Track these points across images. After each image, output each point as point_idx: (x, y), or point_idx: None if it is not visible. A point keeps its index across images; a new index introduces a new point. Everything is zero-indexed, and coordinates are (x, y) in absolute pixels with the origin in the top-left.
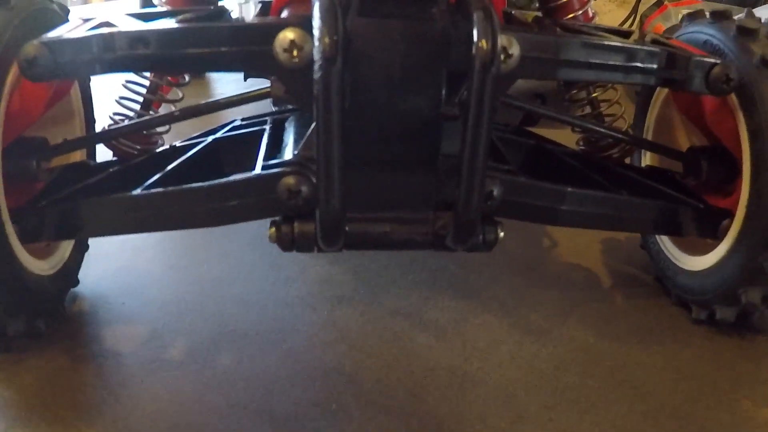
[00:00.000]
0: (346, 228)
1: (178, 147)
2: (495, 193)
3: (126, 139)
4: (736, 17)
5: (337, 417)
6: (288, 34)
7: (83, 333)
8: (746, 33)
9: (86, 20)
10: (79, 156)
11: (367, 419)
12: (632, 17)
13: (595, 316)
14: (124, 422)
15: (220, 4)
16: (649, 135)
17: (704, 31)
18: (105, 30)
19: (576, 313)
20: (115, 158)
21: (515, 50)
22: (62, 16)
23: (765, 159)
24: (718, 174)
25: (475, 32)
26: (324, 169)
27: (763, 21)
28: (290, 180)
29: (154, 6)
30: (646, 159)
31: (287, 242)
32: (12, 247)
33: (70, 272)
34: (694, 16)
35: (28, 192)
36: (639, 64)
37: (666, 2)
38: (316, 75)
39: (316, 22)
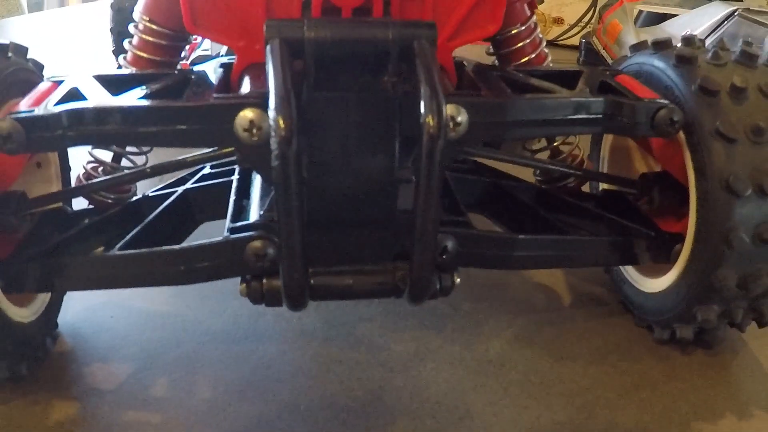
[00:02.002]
0: (311, 281)
1: (151, 197)
2: (449, 247)
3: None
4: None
5: (304, 416)
6: (247, 114)
7: (64, 374)
8: (685, 61)
9: (56, 82)
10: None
11: (331, 417)
12: (592, 10)
13: (556, 337)
14: None
15: (182, 64)
16: (604, 165)
17: (647, 62)
18: (73, 105)
19: (538, 335)
20: (90, 206)
21: (463, 118)
22: (37, 74)
23: (708, 190)
24: (669, 200)
25: (422, 107)
26: (285, 240)
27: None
28: (257, 244)
29: (125, 13)
30: (603, 183)
31: (257, 297)
32: None
33: (51, 316)
34: (637, 47)
35: (9, 242)
36: (585, 116)
37: None
38: (274, 154)
39: (271, 107)
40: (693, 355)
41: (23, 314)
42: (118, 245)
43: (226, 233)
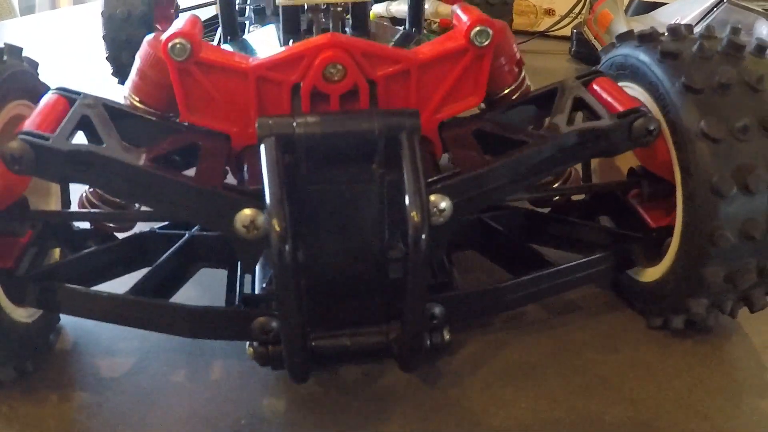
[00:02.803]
0: (312, 344)
1: (157, 234)
2: (437, 313)
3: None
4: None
5: (305, 400)
6: (246, 213)
7: (70, 367)
8: (669, 57)
9: (66, 97)
10: (54, 202)
11: (332, 401)
12: (583, 1)
13: (551, 323)
14: None
15: None
16: (596, 177)
17: (632, 55)
18: (88, 148)
19: (533, 322)
20: (92, 227)
21: (446, 204)
22: (33, 73)
23: (693, 190)
24: (658, 192)
25: (407, 202)
26: (284, 323)
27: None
28: (262, 320)
29: (116, 20)
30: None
31: (263, 361)
32: (1, 306)
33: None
34: (623, 37)
35: (13, 246)
36: (562, 155)
37: None
38: (273, 252)
39: (268, 209)
40: (687, 336)
41: (26, 314)
42: (129, 289)
43: (238, 302)
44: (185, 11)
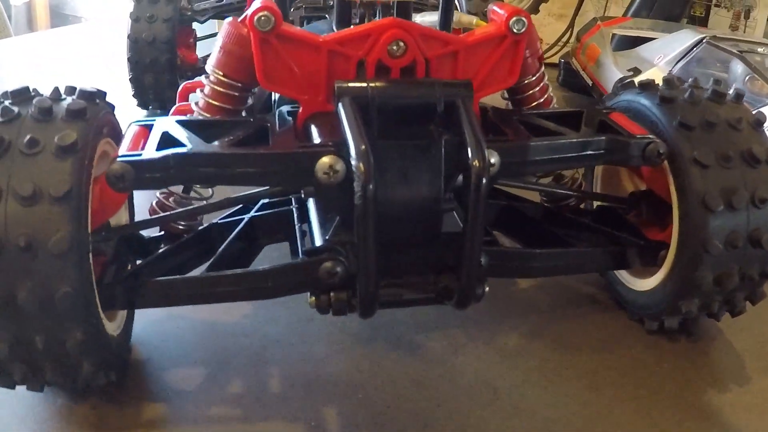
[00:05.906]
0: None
1: (220, 224)
2: (483, 262)
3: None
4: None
5: (363, 403)
6: (326, 160)
7: (145, 378)
8: (667, 101)
9: (144, 126)
10: (124, 217)
11: (386, 403)
12: (569, 31)
13: (562, 331)
14: None
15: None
16: (597, 184)
17: (635, 100)
18: (178, 150)
19: (546, 330)
20: (162, 233)
21: (495, 160)
22: (112, 113)
23: (688, 206)
24: (655, 213)
25: (469, 153)
26: (363, 260)
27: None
28: (329, 264)
29: (141, 43)
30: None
31: (325, 308)
32: (101, 317)
33: (129, 328)
34: (626, 86)
35: (96, 264)
36: (590, 152)
37: (598, 22)
38: (357, 194)
39: (353, 155)
40: (678, 342)
41: (113, 327)
42: (206, 267)
43: (302, 255)
44: (203, 39)
